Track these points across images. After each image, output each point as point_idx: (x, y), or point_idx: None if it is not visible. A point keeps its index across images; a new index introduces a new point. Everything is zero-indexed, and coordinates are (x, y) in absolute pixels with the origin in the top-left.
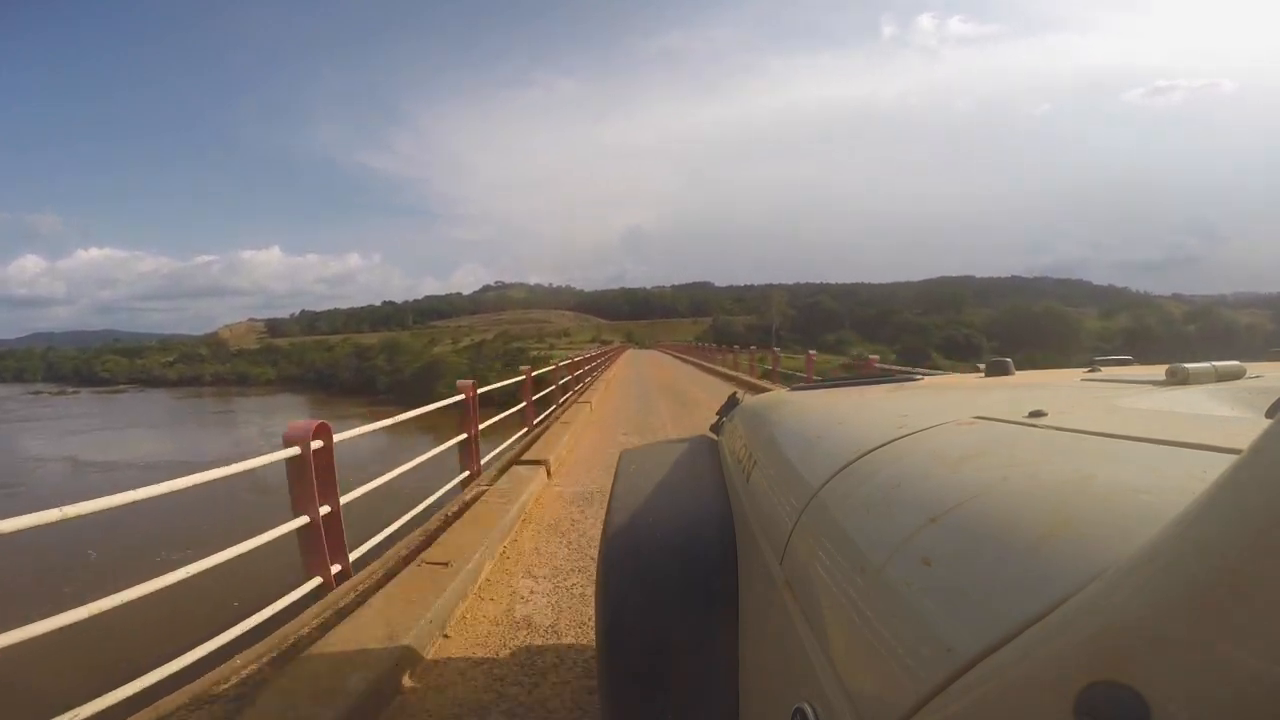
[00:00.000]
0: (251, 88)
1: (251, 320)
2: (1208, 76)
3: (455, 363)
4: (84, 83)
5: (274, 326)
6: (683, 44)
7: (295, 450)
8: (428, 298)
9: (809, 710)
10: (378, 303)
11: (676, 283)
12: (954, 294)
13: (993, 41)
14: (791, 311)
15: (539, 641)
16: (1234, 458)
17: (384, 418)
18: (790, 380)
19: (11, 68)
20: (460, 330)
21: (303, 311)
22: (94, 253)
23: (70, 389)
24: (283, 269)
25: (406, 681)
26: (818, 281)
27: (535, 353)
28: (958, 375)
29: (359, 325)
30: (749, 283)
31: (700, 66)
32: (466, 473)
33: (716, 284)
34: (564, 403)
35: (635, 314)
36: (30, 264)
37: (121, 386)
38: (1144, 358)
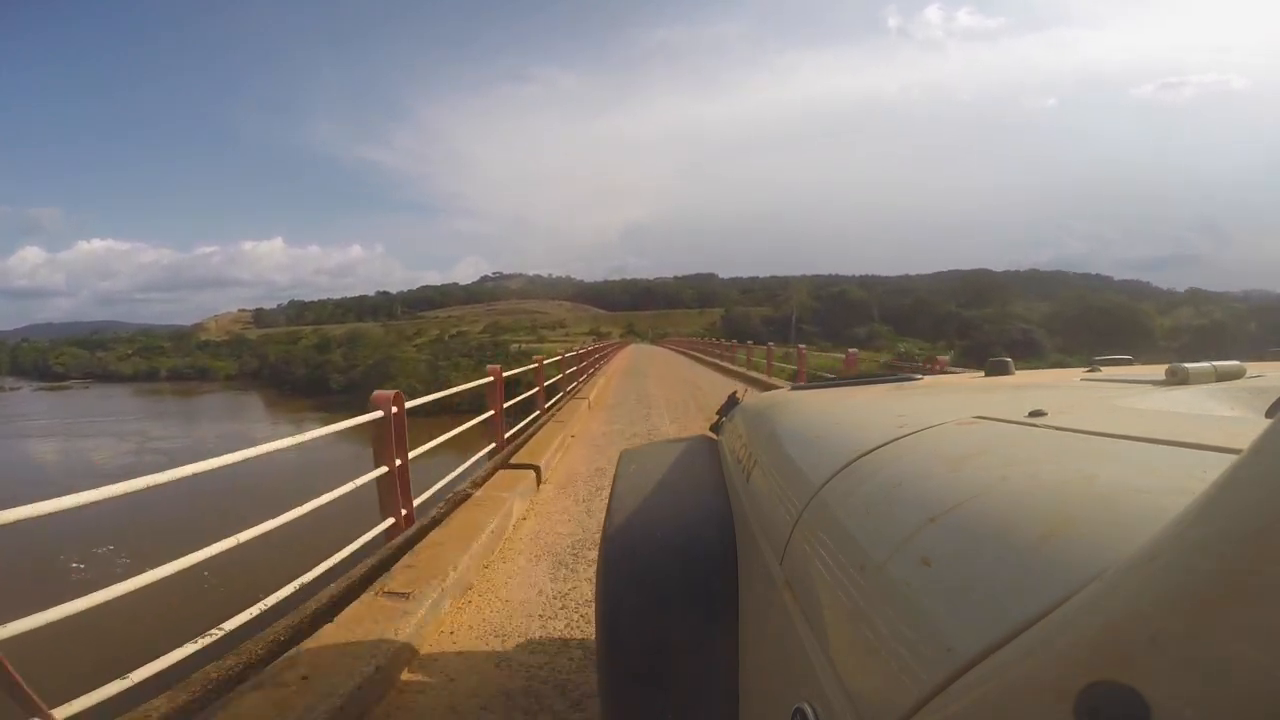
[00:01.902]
0: (252, 82)
1: (241, 310)
2: (1219, 72)
3: (413, 360)
4: (86, 76)
5: (261, 317)
6: (683, 37)
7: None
8: (423, 288)
9: (809, 710)
10: (373, 294)
11: (679, 274)
12: (998, 285)
13: (999, 35)
14: (813, 302)
15: None
16: (1234, 458)
17: (322, 424)
18: None
19: (12, 62)
20: (450, 321)
21: (291, 301)
22: (95, 244)
23: (11, 385)
24: (285, 260)
25: None
26: (827, 273)
27: (519, 346)
28: (958, 375)
29: (345, 316)
30: (754, 274)
31: (701, 60)
32: (390, 520)
33: (721, 276)
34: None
35: (637, 304)
36: (31, 255)
37: (68, 383)
38: (1223, 355)
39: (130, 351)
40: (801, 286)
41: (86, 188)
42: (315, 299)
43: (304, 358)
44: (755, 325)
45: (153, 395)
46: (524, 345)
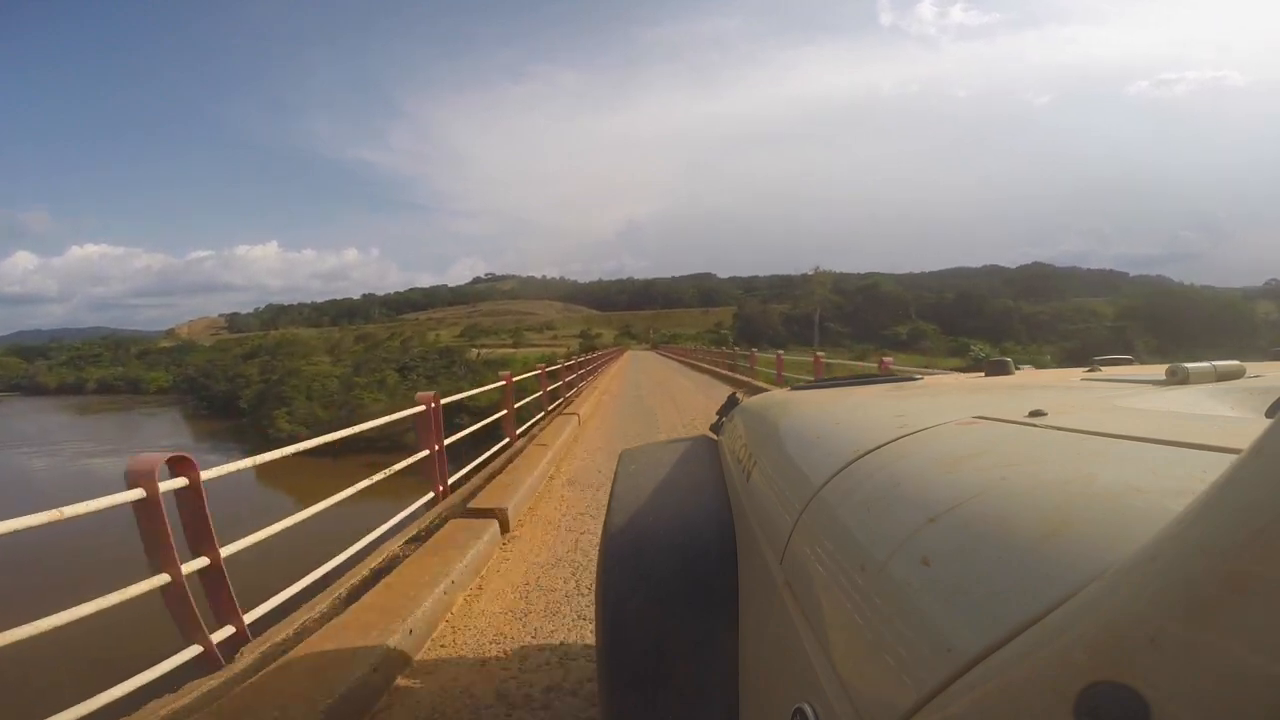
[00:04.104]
0: (247, 83)
1: (221, 315)
2: (1215, 69)
3: (322, 375)
4: (76, 78)
5: (235, 322)
6: (680, 35)
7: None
8: (411, 290)
9: (809, 710)
10: (358, 297)
11: (677, 274)
12: (1054, 279)
13: (992, 32)
14: (837, 298)
15: None
16: (1234, 458)
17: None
18: None
19: (3, 65)
20: (428, 323)
21: (268, 305)
22: (89, 249)
23: None
24: (278, 265)
25: None
26: (834, 271)
27: (479, 353)
28: (958, 375)
29: (321, 319)
30: (754, 274)
31: (698, 58)
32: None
33: (719, 275)
34: None
35: (634, 304)
36: (22, 260)
37: None
38: None
39: (62, 360)
40: (824, 280)
41: (77, 192)
42: (304, 303)
43: (226, 369)
44: (774, 324)
45: (48, 410)
46: (484, 352)
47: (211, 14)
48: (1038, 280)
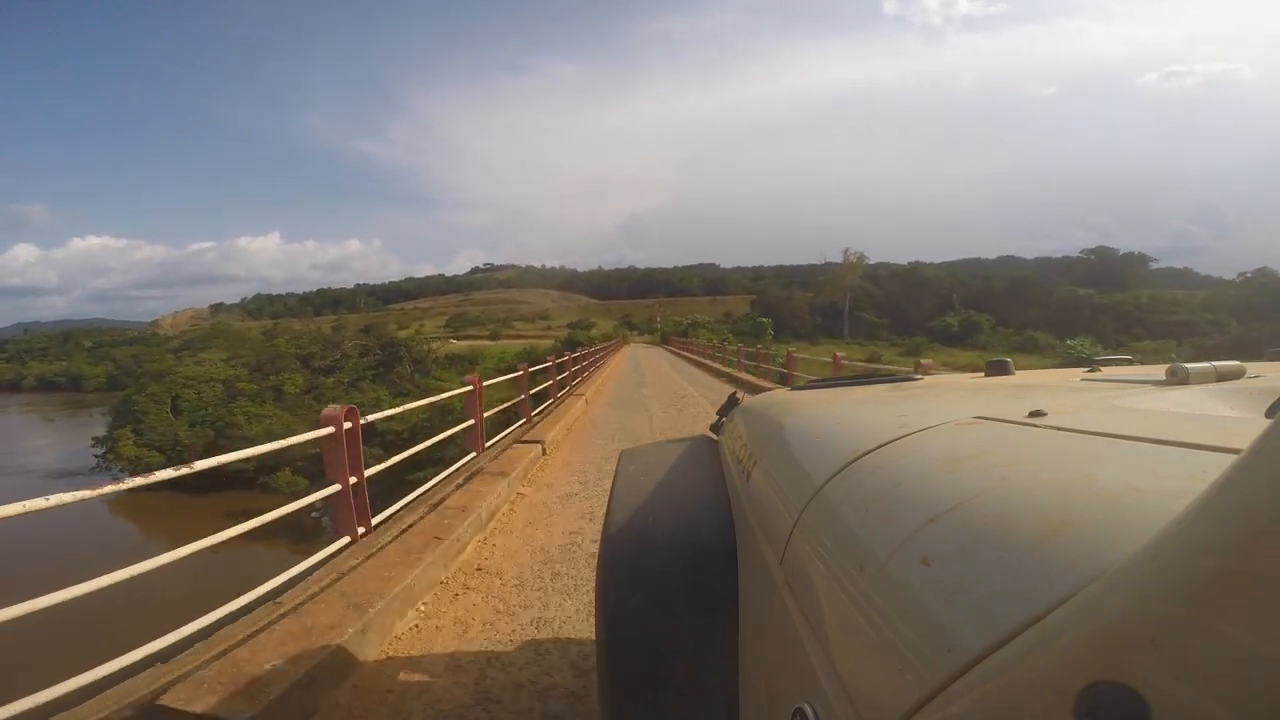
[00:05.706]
0: (246, 76)
1: (211, 306)
2: (1227, 62)
3: (200, 379)
4: (75, 71)
5: (219, 312)
6: (681, 27)
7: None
8: (406, 279)
9: (809, 710)
10: (352, 286)
11: (679, 265)
12: (1124, 267)
13: (998, 24)
14: (868, 285)
15: None
16: (1234, 458)
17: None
18: None
19: (5, 60)
20: (416, 312)
21: (256, 295)
22: (90, 240)
23: None
24: (279, 256)
25: None
26: (833, 262)
27: (430, 348)
28: (957, 375)
29: (304, 309)
30: (760, 264)
31: (699, 50)
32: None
33: (723, 265)
34: None
35: (635, 293)
36: (23, 253)
37: None
38: None
39: (6, 356)
40: (855, 266)
41: (78, 185)
42: (292, 293)
43: (148, 365)
44: (801, 313)
45: None
46: (436, 347)
47: (213, 10)
48: (1098, 267)
